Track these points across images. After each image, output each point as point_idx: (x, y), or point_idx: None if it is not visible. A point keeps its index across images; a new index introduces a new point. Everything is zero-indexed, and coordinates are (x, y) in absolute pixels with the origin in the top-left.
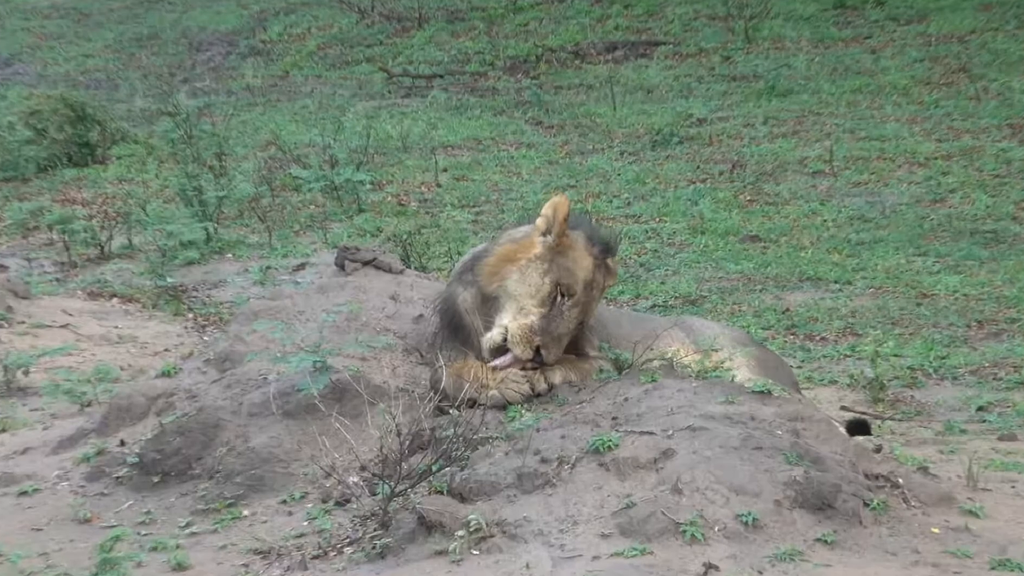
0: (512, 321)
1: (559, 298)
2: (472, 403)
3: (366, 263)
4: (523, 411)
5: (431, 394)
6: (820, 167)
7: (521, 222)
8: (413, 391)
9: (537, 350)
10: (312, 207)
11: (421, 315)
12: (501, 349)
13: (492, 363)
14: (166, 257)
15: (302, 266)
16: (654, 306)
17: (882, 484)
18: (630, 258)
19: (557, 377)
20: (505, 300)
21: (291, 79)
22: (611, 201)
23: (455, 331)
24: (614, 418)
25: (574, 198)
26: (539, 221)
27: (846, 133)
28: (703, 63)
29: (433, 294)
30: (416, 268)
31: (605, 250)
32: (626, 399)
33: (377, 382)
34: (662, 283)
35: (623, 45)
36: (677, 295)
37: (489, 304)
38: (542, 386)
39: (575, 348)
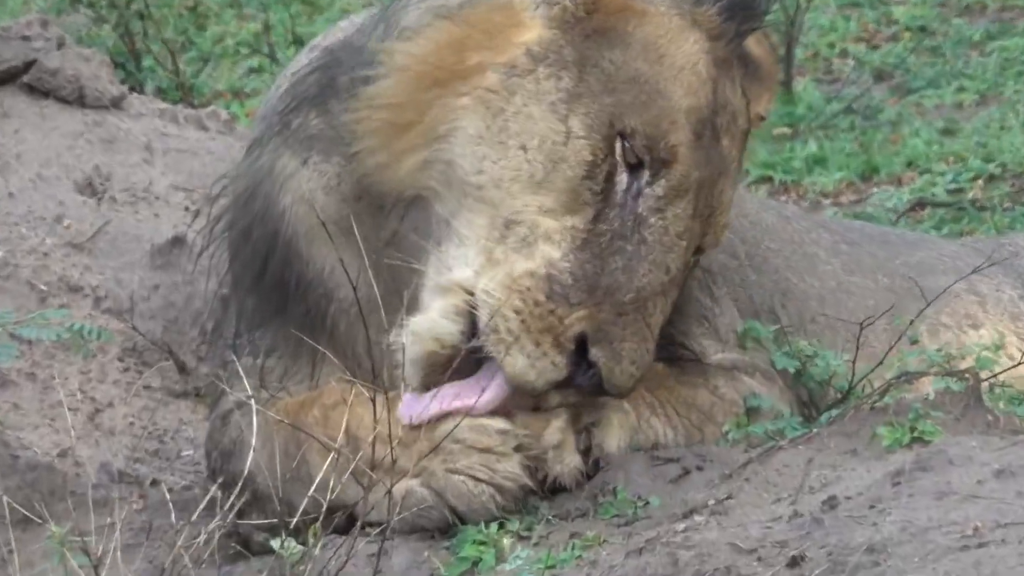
0: (492, 271)
1: (625, 174)
2: (347, 518)
3: (5, 80)
4: (506, 539)
5: (212, 488)
6: None
7: None
8: (157, 481)
9: (581, 349)
10: None
11: (177, 240)
12: (446, 363)
13: (437, 409)
14: None
15: None
16: (918, 206)
17: None
18: (827, 58)
19: (614, 436)
20: (456, 206)
21: None
22: None
23: (280, 290)
24: (796, 560)
25: None
26: None
27: None
28: None
29: (216, 175)
30: (164, 93)
31: (732, 5)
32: (832, 500)
33: (42, 455)
34: (944, 134)
35: None
36: (994, 170)
37: (397, 213)
38: (569, 461)
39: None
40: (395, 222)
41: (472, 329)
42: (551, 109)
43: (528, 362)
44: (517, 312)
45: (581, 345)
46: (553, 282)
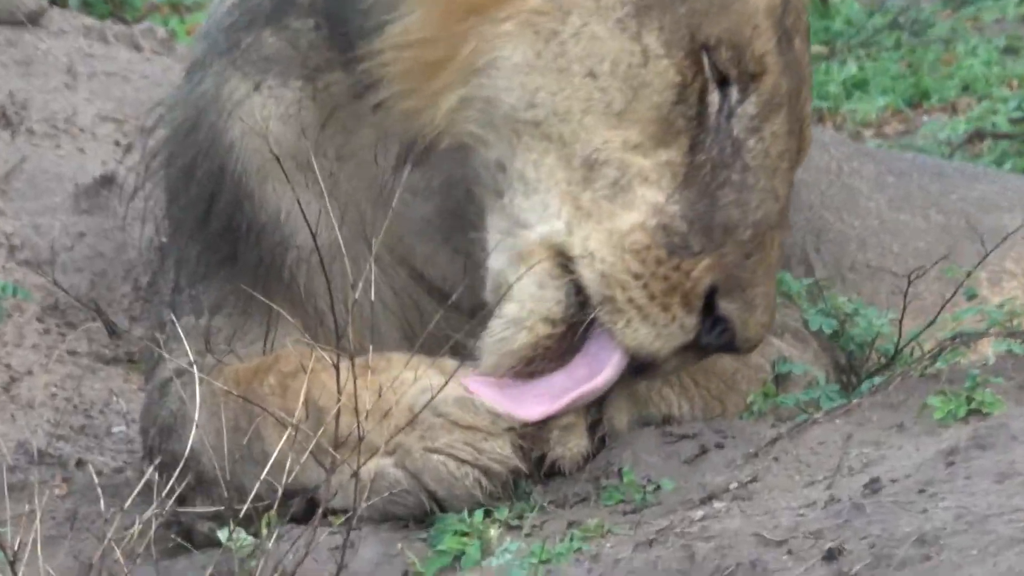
0: (587, 226)
1: (716, 93)
2: (307, 504)
3: None
4: (493, 529)
5: (149, 469)
6: None
7: None
8: (83, 461)
9: (708, 305)
10: None
11: (106, 179)
12: (557, 346)
13: (554, 407)
14: None
15: None
16: (976, 137)
17: None
18: None
19: (623, 410)
20: (507, 148)
21: None
22: None
23: (228, 236)
24: (832, 554)
25: None
26: None
27: None
28: None
29: (151, 102)
30: (90, 7)
31: None
32: (874, 483)
33: None
34: (1005, 53)
35: None
36: None
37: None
38: (574, 445)
39: None
40: (391, 164)
41: (577, 297)
42: (619, 26)
43: (654, 331)
44: (637, 276)
45: (710, 299)
46: (669, 232)
